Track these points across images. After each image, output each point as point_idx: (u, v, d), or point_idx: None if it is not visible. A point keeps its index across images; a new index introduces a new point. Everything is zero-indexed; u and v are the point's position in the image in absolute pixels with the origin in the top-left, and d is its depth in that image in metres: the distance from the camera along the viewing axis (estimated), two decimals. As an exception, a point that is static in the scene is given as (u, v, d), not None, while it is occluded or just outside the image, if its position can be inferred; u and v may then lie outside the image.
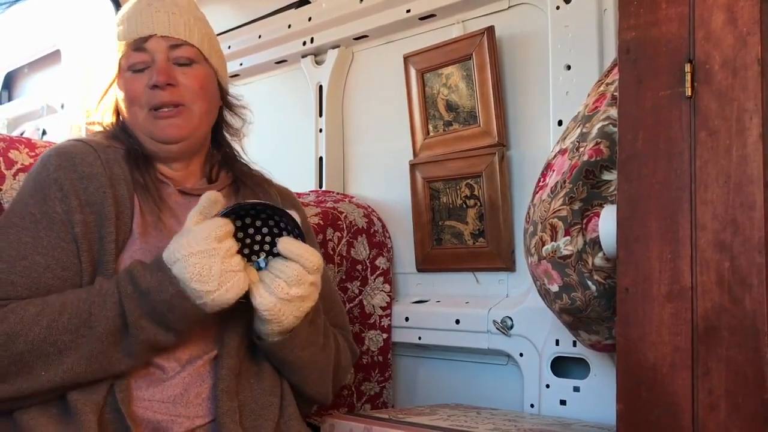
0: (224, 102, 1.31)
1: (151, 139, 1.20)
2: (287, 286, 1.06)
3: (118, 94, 1.22)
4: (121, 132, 1.24)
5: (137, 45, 1.20)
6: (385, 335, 1.80)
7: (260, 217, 1.13)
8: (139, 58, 1.20)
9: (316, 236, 1.65)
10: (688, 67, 0.90)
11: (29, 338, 1.01)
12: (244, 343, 1.15)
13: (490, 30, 1.66)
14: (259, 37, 2.20)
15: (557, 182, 1.21)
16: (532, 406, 1.56)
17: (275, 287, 1.06)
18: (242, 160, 1.36)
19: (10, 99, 3.56)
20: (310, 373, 1.20)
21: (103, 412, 1.04)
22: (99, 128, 1.27)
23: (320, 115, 2.08)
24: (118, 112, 1.25)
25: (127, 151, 1.21)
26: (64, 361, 1.02)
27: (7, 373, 1.01)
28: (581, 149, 1.20)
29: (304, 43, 2.10)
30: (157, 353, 1.08)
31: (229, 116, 1.33)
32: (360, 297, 1.79)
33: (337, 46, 2.04)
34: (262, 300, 1.05)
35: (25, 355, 1.01)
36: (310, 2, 2.11)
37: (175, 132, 1.19)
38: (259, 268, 1.10)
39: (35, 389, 1.02)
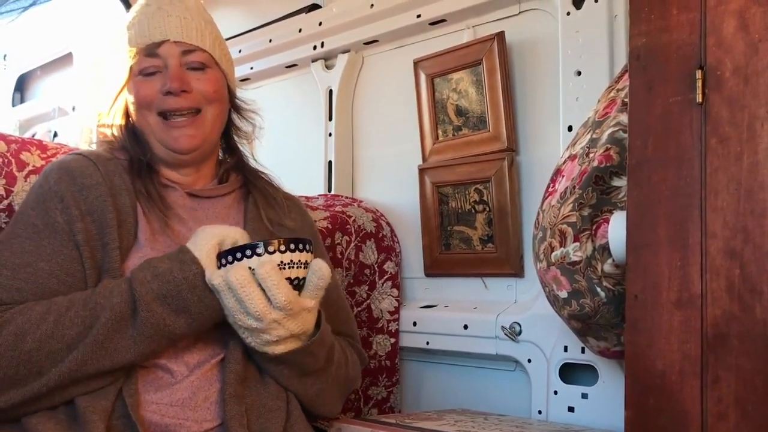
0: (233, 105, 1.32)
1: (162, 146, 1.21)
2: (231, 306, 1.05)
3: (128, 98, 1.23)
4: (129, 137, 1.24)
5: (149, 50, 1.20)
6: (392, 340, 1.80)
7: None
8: (150, 63, 1.20)
9: (324, 240, 1.65)
10: (699, 74, 0.90)
11: (36, 336, 1.01)
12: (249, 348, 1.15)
13: (501, 35, 1.66)
14: (270, 41, 2.21)
15: (567, 188, 1.21)
16: (539, 412, 1.55)
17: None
18: (252, 164, 1.36)
19: (22, 101, 3.59)
20: (312, 396, 1.20)
21: (111, 418, 1.04)
22: (109, 131, 1.27)
23: (330, 119, 2.09)
24: (127, 116, 1.25)
25: (129, 161, 1.21)
26: (72, 353, 1.02)
27: (18, 375, 1.01)
28: (591, 155, 1.20)
29: (315, 48, 2.10)
30: (163, 343, 1.07)
31: (237, 120, 1.34)
32: (368, 301, 1.79)
33: (348, 51, 2.05)
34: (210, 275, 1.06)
35: (34, 354, 1.01)
36: (321, 7, 2.12)
37: (189, 142, 1.20)
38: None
39: (43, 385, 1.02)
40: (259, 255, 1.05)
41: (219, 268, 1.07)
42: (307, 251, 1.09)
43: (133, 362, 1.06)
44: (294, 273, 1.07)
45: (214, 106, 1.23)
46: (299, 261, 1.08)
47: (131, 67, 1.22)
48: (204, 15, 1.27)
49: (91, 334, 1.02)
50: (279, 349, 1.09)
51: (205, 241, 1.07)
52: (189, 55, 1.21)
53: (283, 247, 1.06)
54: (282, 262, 1.06)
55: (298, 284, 1.08)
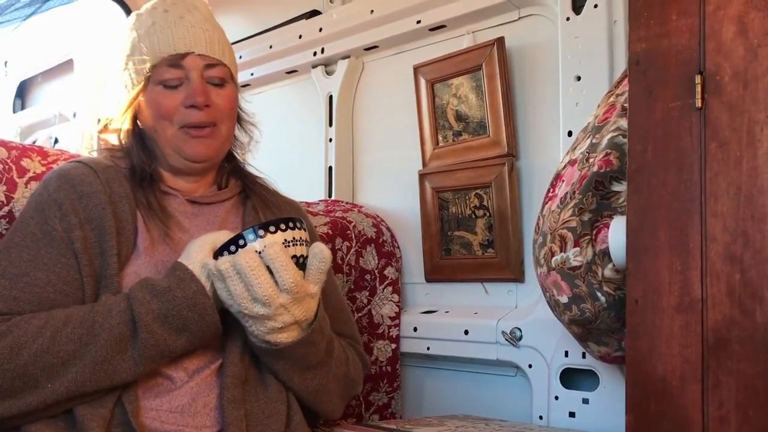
0: (237, 116, 1.32)
1: (177, 154, 1.21)
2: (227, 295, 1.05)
3: (141, 103, 1.22)
4: (136, 144, 1.23)
5: (173, 61, 1.19)
6: (393, 345, 1.80)
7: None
8: (173, 74, 1.19)
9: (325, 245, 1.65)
10: (698, 79, 0.90)
11: (32, 350, 1.01)
12: (247, 352, 1.15)
13: (500, 41, 1.66)
14: (270, 47, 2.21)
15: (567, 193, 1.21)
16: (540, 417, 1.55)
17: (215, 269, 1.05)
18: (249, 171, 1.36)
19: (23, 107, 3.59)
20: (312, 392, 1.19)
21: (110, 426, 1.04)
22: (115, 136, 1.27)
23: (330, 125, 2.09)
24: (134, 122, 1.24)
25: (130, 169, 1.21)
26: (69, 371, 1.02)
27: (13, 388, 1.01)
28: (591, 160, 1.20)
29: (315, 54, 2.11)
30: (164, 361, 1.08)
31: (237, 129, 1.34)
32: (368, 307, 1.79)
33: (348, 57, 2.05)
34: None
35: (29, 367, 1.01)
36: (321, 13, 2.12)
37: (205, 151, 1.21)
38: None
39: (41, 401, 1.02)
40: (252, 241, 1.04)
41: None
42: (301, 228, 1.09)
43: (134, 380, 1.06)
44: (296, 251, 1.07)
45: (229, 122, 1.24)
46: (299, 238, 1.08)
47: (150, 76, 1.20)
48: (219, 26, 1.27)
49: (90, 354, 1.02)
50: (282, 338, 1.08)
51: (197, 251, 1.07)
52: (211, 69, 1.21)
53: (273, 228, 1.05)
54: (285, 240, 1.05)
55: (300, 262, 1.08)
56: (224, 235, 1.09)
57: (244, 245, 1.04)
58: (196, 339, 1.08)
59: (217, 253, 1.07)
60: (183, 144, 1.20)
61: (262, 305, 1.03)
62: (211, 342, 1.12)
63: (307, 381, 1.18)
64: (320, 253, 1.09)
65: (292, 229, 1.07)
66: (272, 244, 1.04)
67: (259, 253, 1.04)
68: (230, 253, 1.05)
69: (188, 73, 1.20)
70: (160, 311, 1.04)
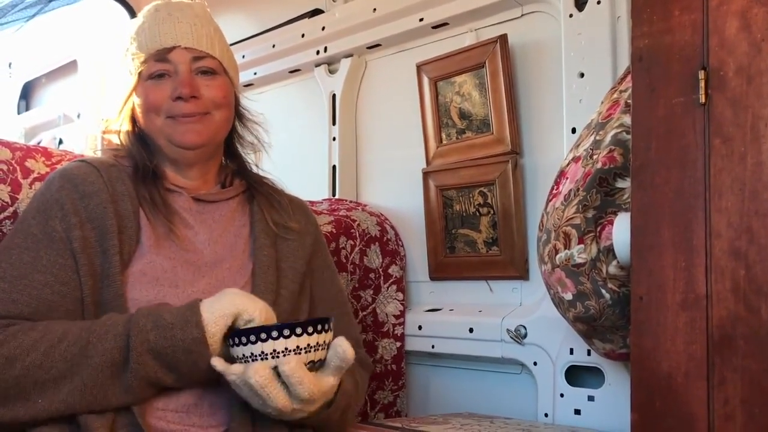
0: (237, 113, 1.32)
1: (169, 143, 1.21)
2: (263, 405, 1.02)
3: (135, 102, 1.22)
4: (136, 143, 1.24)
5: (160, 55, 1.20)
6: (398, 344, 1.80)
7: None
8: (160, 67, 1.20)
9: (329, 244, 1.65)
10: (701, 74, 0.90)
11: (25, 363, 1.01)
12: None
13: (503, 38, 1.66)
14: (273, 46, 2.21)
15: (571, 190, 1.21)
16: (546, 415, 1.55)
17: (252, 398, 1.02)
18: (254, 170, 1.36)
19: (27, 108, 3.60)
20: (324, 427, 1.17)
21: (117, 426, 1.03)
22: (116, 137, 1.27)
23: (333, 124, 2.09)
24: (134, 122, 1.25)
25: (134, 168, 1.21)
26: (60, 390, 1.01)
27: (6, 397, 1.02)
28: (595, 157, 1.19)
29: (318, 52, 2.11)
30: (155, 392, 1.06)
31: (240, 128, 1.34)
32: (373, 305, 1.79)
33: (351, 55, 2.05)
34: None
35: (21, 380, 1.01)
36: (323, 12, 2.12)
37: (195, 138, 1.20)
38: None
39: (32, 416, 1.01)
40: (274, 339, 0.99)
41: (231, 346, 1.03)
42: (327, 331, 1.04)
43: (126, 406, 1.04)
44: (314, 356, 1.02)
45: (222, 111, 1.23)
46: (322, 343, 1.03)
47: (140, 72, 1.21)
48: (213, 23, 1.27)
49: (80, 376, 1.01)
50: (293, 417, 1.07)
51: (222, 310, 1.03)
52: (199, 62, 1.21)
53: (299, 330, 1.00)
54: (299, 346, 1.01)
55: (318, 366, 1.04)
56: (253, 306, 1.04)
57: (266, 340, 0.99)
58: (185, 380, 1.06)
59: (233, 336, 1.02)
60: (173, 131, 1.19)
61: (278, 413, 1.03)
62: None
63: (320, 421, 1.16)
64: (343, 353, 1.03)
65: (319, 332, 1.02)
66: (289, 360, 0.99)
67: (275, 367, 1.00)
68: (247, 342, 1.00)
69: (176, 66, 1.20)
70: (155, 344, 1.02)
